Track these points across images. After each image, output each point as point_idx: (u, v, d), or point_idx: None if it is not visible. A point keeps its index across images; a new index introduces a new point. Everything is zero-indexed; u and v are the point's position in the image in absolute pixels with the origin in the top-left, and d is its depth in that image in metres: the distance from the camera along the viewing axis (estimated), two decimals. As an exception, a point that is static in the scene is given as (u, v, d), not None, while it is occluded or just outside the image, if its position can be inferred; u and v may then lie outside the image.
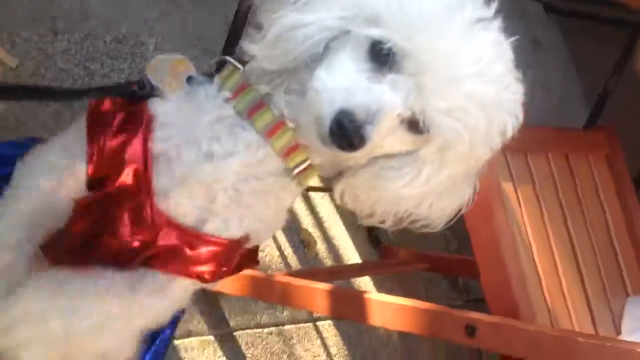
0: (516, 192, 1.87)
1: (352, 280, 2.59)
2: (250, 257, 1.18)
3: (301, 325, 2.48)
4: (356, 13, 0.90)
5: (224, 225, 1.05)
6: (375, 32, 0.87)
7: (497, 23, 0.92)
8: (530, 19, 4.65)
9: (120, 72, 2.27)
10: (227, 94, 1.03)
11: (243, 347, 2.26)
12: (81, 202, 1.07)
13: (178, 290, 1.07)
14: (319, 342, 2.50)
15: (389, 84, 0.88)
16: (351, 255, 2.77)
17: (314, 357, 2.48)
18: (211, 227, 1.04)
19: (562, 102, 4.58)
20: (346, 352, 2.58)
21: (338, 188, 1.08)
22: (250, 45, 0.98)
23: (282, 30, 0.93)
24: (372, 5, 0.89)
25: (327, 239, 2.70)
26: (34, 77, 2.02)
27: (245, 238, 1.08)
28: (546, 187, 1.98)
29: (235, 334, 2.26)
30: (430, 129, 0.91)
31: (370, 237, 2.83)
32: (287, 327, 2.44)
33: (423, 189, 1.00)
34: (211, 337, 2.21)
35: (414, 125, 0.92)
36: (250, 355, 2.26)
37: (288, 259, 2.50)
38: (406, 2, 0.88)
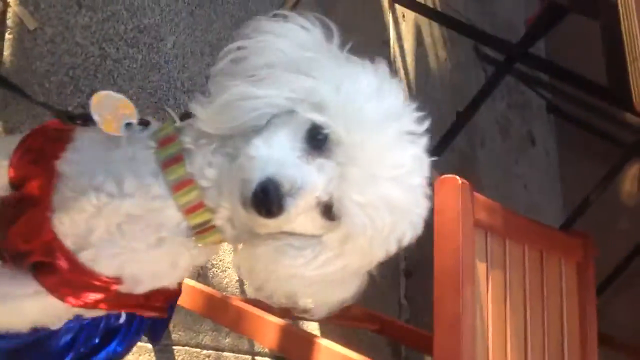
0: (487, 274, 1.88)
1: (301, 323, 2.57)
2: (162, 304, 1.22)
3: (240, 356, 2.46)
4: (304, 97, 0.97)
5: (93, 258, 1.08)
6: (318, 118, 0.94)
7: (425, 141, 1.00)
8: (532, 113, 4.77)
9: (133, 61, 2.27)
10: (152, 143, 1.07)
11: (178, 364, 2.23)
12: (3, 199, 1.17)
13: (41, 305, 1.11)
14: (253, 376, 2.48)
15: (317, 167, 0.94)
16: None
17: (245, 391, 2.45)
18: (83, 256, 1.08)
19: (539, 201, 4.68)
20: (275, 395, 2.55)
21: (238, 256, 1.12)
22: (195, 107, 1.02)
23: (233, 98, 0.98)
24: (321, 94, 0.96)
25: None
26: (50, 44, 2.02)
27: (117, 279, 1.10)
28: (515, 277, 1.99)
29: (174, 347, 2.23)
30: (341, 217, 0.97)
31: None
32: (226, 354, 2.42)
33: (315, 273, 1.04)
34: (149, 346, 2.17)
35: (327, 210, 0.98)
36: (183, 375, 2.23)
37: (245, 287, 2.49)
38: (351, 100, 0.95)
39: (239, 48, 1.02)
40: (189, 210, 1.05)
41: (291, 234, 1.03)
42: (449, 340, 1.66)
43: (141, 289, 1.14)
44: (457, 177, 1.87)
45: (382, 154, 0.94)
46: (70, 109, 2.03)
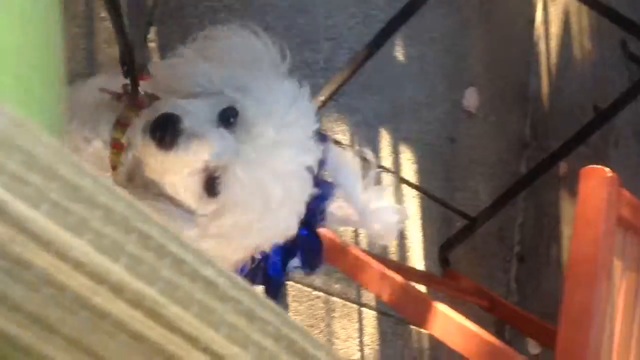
0: (622, 274, 1.76)
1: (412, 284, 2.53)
2: None
3: (348, 303, 2.48)
4: (235, 82, 1.06)
5: None
6: (237, 96, 1.03)
7: (313, 158, 1.08)
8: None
9: (284, 0, 2.25)
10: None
11: (289, 299, 2.26)
12: None
13: None
14: (357, 325, 2.49)
15: (219, 134, 1.00)
16: (416, 262, 2.73)
17: (348, 337, 2.47)
18: None
19: None
20: (377, 347, 2.55)
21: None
22: (152, 64, 1.18)
23: (181, 61, 1.13)
24: (247, 81, 1.06)
25: (401, 236, 2.66)
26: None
27: None
28: (650, 283, 1.87)
29: (287, 282, 2.25)
30: (219, 194, 1.01)
31: (441, 255, 2.78)
32: (334, 299, 2.44)
33: None
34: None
35: (208, 183, 1.01)
36: (292, 309, 2.27)
37: (359, 238, 2.47)
38: (269, 95, 1.05)
39: (206, 36, 1.18)
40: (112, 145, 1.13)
41: (172, 200, 1.06)
42: (576, 333, 1.57)
43: None
44: (606, 168, 1.75)
45: (277, 146, 1.01)
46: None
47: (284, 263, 1.38)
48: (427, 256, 2.77)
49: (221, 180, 1.01)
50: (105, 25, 1.76)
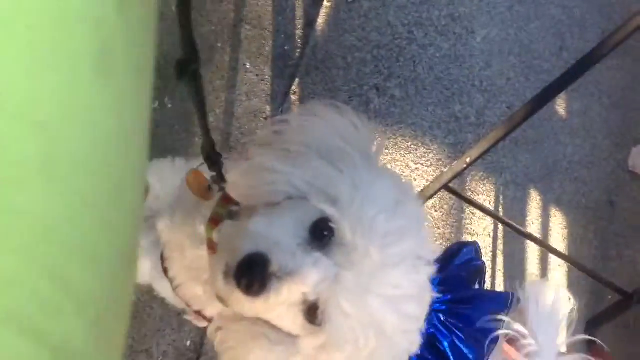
0: None
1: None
2: None
3: None
4: (322, 186, 0.90)
5: None
6: (329, 210, 0.87)
7: (431, 270, 0.92)
8: None
9: (438, 49, 2.12)
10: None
11: None
12: None
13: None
14: None
15: (314, 260, 0.86)
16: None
17: None
18: None
19: None
20: None
21: (215, 321, 1.07)
22: (229, 166, 1.02)
23: (254, 167, 0.96)
24: (338, 188, 0.89)
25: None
26: (363, 18, 1.93)
27: None
28: None
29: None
30: (324, 324, 0.87)
31: (588, 332, 2.51)
32: None
33: None
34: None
35: (311, 313, 0.89)
36: None
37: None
38: (366, 204, 0.88)
39: (283, 121, 0.99)
40: (207, 246, 1.05)
41: (270, 324, 0.94)
42: None
43: None
44: None
45: (383, 268, 0.86)
46: (365, 88, 1.94)
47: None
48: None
49: (325, 312, 0.87)
50: (249, 76, 1.72)
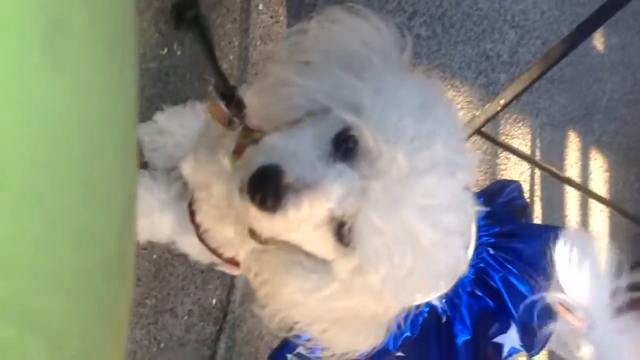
0: None
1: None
2: None
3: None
4: (343, 95, 0.81)
5: None
6: (351, 118, 0.78)
7: (467, 177, 0.83)
8: None
9: None
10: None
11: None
12: None
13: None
14: None
15: (337, 172, 0.78)
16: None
17: None
18: None
19: None
20: None
21: (248, 254, 0.98)
22: (245, 90, 0.93)
23: (270, 83, 0.88)
24: (359, 95, 0.80)
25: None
26: None
27: None
28: None
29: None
30: (353, 243, 0.79)
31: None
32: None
33: (320, 306, 0.89)
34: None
35: (340, 231, 0.80)
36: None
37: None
38: (390, 109, 0.80)
39: (300, 30, 0.88)
40: None
41: (302, 250, 0.87)
42: None
43: None
44: None
45: (413, 175, 0.77)
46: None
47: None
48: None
49: (353, 229, 0.79)
50: (262, 19, 1.61)
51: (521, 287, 1.14)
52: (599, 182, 2.40)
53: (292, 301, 0.91)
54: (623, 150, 2.47)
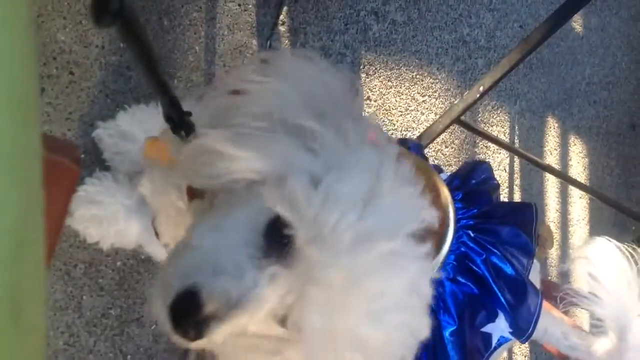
0: None
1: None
2: None
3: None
4: (283, 173, 0.72)
5: None
6: (284, 213, 0.69)
7: (424, 264, 0.74)
8: None
9: None
10: None
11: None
12: None
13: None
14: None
15: (269, 276, 0.70)
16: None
17: None
18: None
19: None
20: None
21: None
22: (180, 147, 0.81)
23: (201, 150, 0.76)
24: (293, 185, 0.70)
25: (564, 246, 2.27)
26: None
27: None
28: None
29: None
30: (298, 336, 0.71)
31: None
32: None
33: None
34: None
35: (284, 320, 0.73)
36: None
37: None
38: (328, 207, 0.69)
39: (237, 88, 0.78)
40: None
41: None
42: None
43: None
44: None
45: (356, 280, 0.69)
46: (362, 13, 1.73)
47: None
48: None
49: (296, 326, 0.72)
50: (230, 7, 1.51)
51: (505, 268, 1.10)
52: (579, 168, 2.35)
53: None
54: (602, 135, 2.43)
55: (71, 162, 0.84)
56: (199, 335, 0.69)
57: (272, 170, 0.72)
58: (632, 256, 1.16)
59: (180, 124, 0.80)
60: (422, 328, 0.76)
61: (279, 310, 0.72)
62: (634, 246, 1.17)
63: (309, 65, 0.78)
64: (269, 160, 0.73)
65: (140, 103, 1.34)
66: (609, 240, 1.19)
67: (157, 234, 1.06)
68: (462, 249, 1.08)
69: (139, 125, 1.31)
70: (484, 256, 1.07)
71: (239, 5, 1.55)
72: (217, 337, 0.69)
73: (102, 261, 1.35)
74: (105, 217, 1.25)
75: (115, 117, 1.31)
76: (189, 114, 0.81)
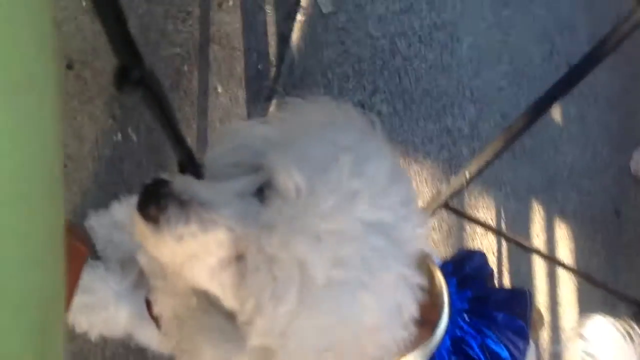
0: None
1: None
2: None
3: None
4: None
5: None
6: (281, 178, 0.69)
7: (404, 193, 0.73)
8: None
9: (423, 60, 1.99)
10: None
11: None
12: None
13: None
14: None
15: (244, 204, 0.70)
16: None
17: None
18: None
19: None
20: None
21: (169, 320, 0.87)
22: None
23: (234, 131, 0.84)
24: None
25: (554, 328, 2.27)
26: (341, 31, 1.80)
27: None
28: None
29: None
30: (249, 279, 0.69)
31: None
32: None
33: None
34: None
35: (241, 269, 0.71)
36: None
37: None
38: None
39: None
40: None
41: (224, 312, 0.76)
42: None
43: None
44: None
45: (312, 197, 0.67)
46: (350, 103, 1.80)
47: None
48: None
49: (248, 262, 0.69)
50: (221, 101, 1.58)
51: (501, 352, 1.10)
52: (565, 251, 2.39)
53: None
54: (587, 220, 2.47)
55: (82, 244, 0.88)
56: (158, 211, 0.69)
57: None
58: (629, 333, 1.16)
59: (195, 174, 0.84)
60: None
61: (241, 247, 0.70)
62: (631, 322, 1.18)
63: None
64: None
65: (133, 194, 1.37)
66: (605, 317, 1.20)
67: (152, 316, 1.06)
68: (458, 332, 1.09)
69: (130, 215, 1.33)
70: (480, 340, 1.07)
71: (230, 99, 1.61)
72: (178, 228, 0.68)
73: (90, 351, 1.34)
74: (95, 303, 1.26)
75: (109, 207, 1.34)
76: (202, 166, 0.85)
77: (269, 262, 0.67)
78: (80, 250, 0.86)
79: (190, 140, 1.55)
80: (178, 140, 0.75)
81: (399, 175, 0.77)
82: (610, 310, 2.43)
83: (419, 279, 0.74)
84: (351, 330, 0.70)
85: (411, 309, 0.74)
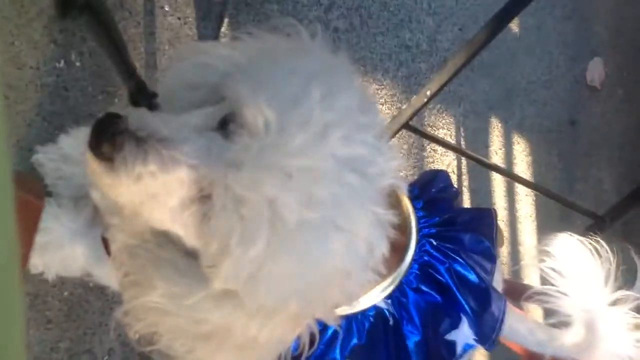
0: None
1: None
2: None
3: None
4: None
5: None
6: (249, 113, 0.64)
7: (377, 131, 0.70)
8: None
9: None
10: None
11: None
12: None
13: None
14: None
15: (206, 139, 0.66)
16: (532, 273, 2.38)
17: None
18: None
19: None
20: None
21: (120, 248, 0.81)
22: None
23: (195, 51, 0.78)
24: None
25: (513, 244, 2.31)
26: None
27: None
28: None
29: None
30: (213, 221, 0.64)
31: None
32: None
33: (186, 318, 0.73)
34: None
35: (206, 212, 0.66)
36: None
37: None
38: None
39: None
40: None
41: (182, 249, 0.73)
42: None
43: None
44: None
45: (284, 133, 0.62)
46: (305, 22, 1.71)
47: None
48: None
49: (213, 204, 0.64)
50: (169, 21, 1.47)
51: (469, 276, 1.09)
52: (523, 166, 2.40)
53: (157, 309, 0.76)
54: (544, 133, 2.48)
55: (36, 198, 0.80)
56: (112, 147, 0.64)
57: None
58: (596, 249, 1.16)
59: (148, 106, 0.76)
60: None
61: (204, 183, 0.65)
62: (597, 238, 1.18)
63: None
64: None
65: (80, 124, 1.28)
66: (571, 235, 1.20)
67: (107, 251, 1.00)
68: (426, 257, 1.07)
69: (80, 147, 1.25)
70: (448, 264, 1.06)
71: (179, 18, 1.50)
72: (136, 166, 0.64)
73: (48, 292, 1.28)
74: (50, 242, 1.19)
75: (56, 140, 1.25)
76: (155, 95, 0.77)
77: (237, 202, 0.62)
78: (33, 205, 0.78)
79: (139, 66, 1.45)
80: (128, 69, 0.67)
81: (368, 105, 0.73)
82: (568, 222, 2.48)
83: (391, 217, 0.71)
84: (321, 275, 0.66)
85: (382, 248, 0.71)
